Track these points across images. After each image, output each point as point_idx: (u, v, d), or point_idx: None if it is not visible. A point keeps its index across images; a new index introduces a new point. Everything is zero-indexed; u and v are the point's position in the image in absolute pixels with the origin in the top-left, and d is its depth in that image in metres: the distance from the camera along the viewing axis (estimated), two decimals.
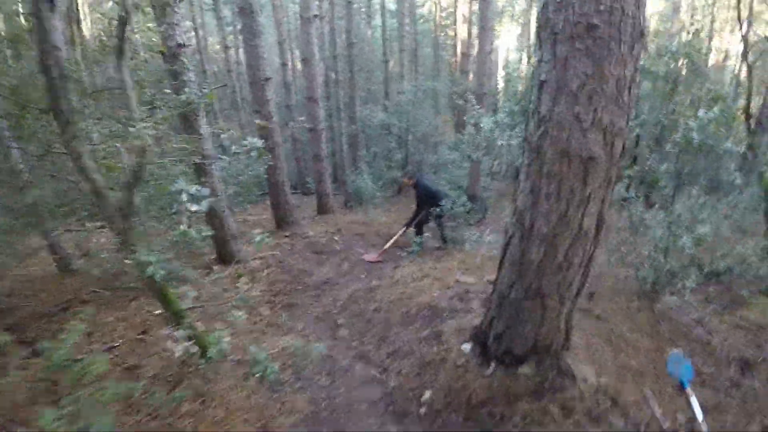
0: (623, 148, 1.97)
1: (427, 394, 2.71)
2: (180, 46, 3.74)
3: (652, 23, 19.36)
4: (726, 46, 18.72)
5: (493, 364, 2.63)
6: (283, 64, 11.47)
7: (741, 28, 8.03)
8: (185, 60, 3.71)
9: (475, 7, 13.79)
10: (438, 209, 5.79)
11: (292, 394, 2.84)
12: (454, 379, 2.69)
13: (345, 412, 2.74)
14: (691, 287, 3.90)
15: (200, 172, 4.23)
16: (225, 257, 4.96)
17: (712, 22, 17.76)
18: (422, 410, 2.65)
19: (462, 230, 6.08)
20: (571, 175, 1.89)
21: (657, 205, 4.43)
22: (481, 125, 7.01)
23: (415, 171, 8.67)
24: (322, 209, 8.31)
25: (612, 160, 1.90)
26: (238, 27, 10.92)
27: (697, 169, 4.84)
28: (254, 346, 2.57)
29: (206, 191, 1.92)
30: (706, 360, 3.45)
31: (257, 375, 2.25)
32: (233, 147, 2.30)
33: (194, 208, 1.83)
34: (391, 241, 6.08)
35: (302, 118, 7.76)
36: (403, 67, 16.39)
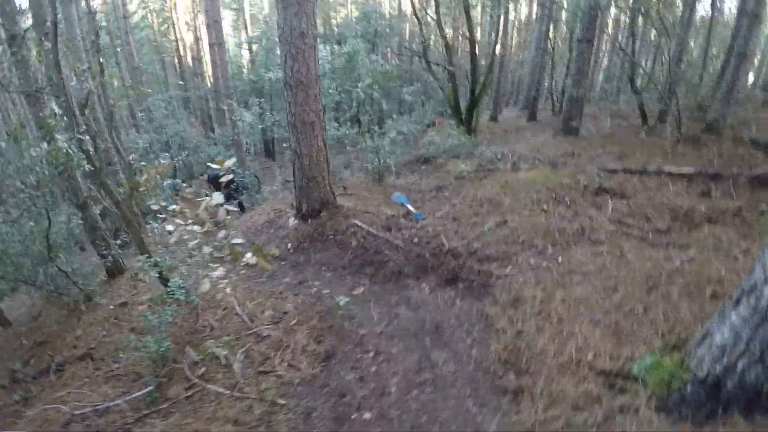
0: (324, 115, 6.09)
1: (290, 244, 6.46)
2: None
3: None
4: None
5: (309, 220, 6.56)
6: None
7: None
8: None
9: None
10: (233, 184, 9.30)
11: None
12: (296, 233, 6.51)
13: None
14: (393, 162, 8.75)
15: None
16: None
17: None
18: (290, 250, 6.39)
19: (251, 198, 9.88)
20: (308, 129, 5.91)
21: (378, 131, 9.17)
22: (244, 119, 10.65)
23: (205, 170, 11.63)
24: None
25: (320, 121, 5.99)
26: None
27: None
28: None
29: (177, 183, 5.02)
30: (416, 194, 8.16)
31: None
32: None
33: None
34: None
35: None
36: (125, 81, 17.68)
